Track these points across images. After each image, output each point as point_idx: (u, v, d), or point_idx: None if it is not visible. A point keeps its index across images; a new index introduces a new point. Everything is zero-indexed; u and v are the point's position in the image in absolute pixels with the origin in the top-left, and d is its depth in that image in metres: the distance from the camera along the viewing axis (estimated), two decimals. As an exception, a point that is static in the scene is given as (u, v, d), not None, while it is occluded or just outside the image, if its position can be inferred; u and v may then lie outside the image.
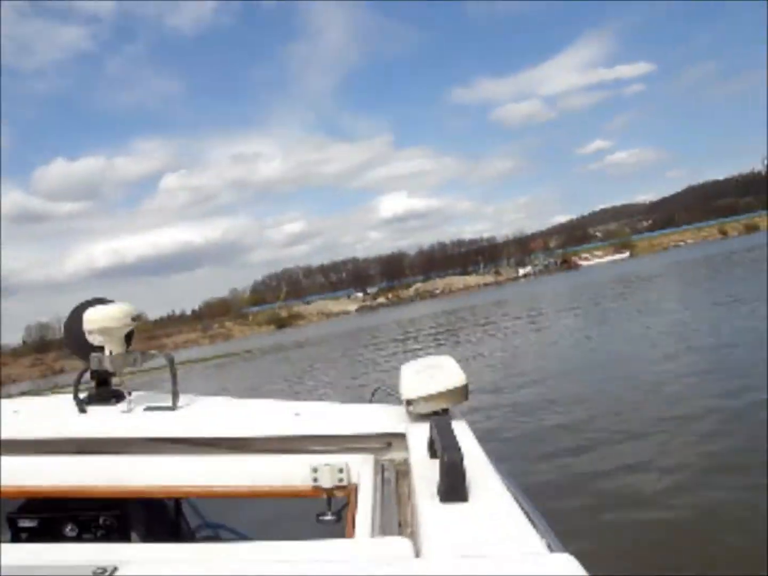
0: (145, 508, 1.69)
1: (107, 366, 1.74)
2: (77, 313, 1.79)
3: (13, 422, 1.65)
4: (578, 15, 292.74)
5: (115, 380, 1.83)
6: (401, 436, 1.43)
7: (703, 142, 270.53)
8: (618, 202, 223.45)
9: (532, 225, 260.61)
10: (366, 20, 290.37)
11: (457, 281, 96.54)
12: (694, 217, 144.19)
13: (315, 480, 1.41)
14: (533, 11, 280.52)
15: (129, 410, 1.71)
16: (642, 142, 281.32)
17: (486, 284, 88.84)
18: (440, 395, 1.43)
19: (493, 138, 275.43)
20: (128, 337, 1.81)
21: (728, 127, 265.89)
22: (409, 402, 1.45)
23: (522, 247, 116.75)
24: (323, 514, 1.47)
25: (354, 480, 1.39)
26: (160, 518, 1.80)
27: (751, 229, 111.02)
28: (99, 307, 1.76)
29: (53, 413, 1.74)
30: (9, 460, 1.49)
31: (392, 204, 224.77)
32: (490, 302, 37.72)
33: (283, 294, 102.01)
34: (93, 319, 1.72)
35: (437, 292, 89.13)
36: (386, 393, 1.88)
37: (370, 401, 1.85)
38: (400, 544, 0.91)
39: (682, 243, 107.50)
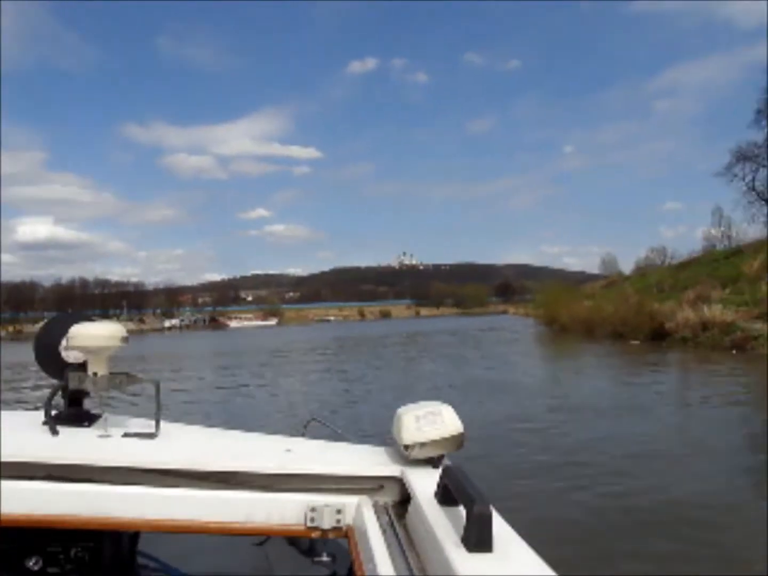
0: (115, 542, 1.60)
1: (89, 387, 1.59)
2: (54, 327, 1.70)
3: None
4: (265, 87, 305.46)
5: (87, 401, 1.69)
6: (395, 480, 1.42)
7: (353, 231, 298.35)
8: (271, 270, 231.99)
9: (185, 278, 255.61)
10: (40, 23, 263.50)
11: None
12: (338, 296, 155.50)
13: (312, 520, 1.36)
14: (224, 69, 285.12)
15: (105, 435, 1.57)
16: (300, 220, 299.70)
17: (128, 331, 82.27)
18: (437, 442, 1.43)
19: (160, 183, 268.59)
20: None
21: (374, 223, 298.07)
22: (406, 446, 1.43)
23: (171, 299, 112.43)
24: (318, 555, 1.50)
25: (352, 522, 1.36)
26: (126, 553, 1.69)
27: (386, 314, 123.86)
28: (91, 324, 1.60)
29: (20, 433, 1.57)
30: None
31: (34, 228, 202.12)
32: (130, 356, 33.37)
33: None
34: (83, 335, 1.56)
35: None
36: (321, 423, 1.97)
37: (303, 433, 1.86)
38: None
39: (331, 318, 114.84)
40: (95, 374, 1.60)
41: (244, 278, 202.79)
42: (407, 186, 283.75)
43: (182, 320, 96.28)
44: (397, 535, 1.24)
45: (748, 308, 17.81)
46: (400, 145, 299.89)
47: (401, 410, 1.51)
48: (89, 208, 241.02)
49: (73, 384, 1.61)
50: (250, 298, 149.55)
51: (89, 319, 1.67)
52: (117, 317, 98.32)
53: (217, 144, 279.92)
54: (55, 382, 1.65)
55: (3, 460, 1.39)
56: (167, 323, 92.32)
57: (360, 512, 1.35)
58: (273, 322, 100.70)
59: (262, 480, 1.44)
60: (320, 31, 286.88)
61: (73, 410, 1.66)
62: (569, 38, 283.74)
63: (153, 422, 1.63)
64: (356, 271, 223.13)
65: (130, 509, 1.37)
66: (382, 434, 1.62)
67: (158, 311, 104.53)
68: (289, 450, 1.56)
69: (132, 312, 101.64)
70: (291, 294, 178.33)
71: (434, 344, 29.88)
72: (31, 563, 1.50)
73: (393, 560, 1.12)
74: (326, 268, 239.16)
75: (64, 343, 1.64)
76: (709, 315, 18.14)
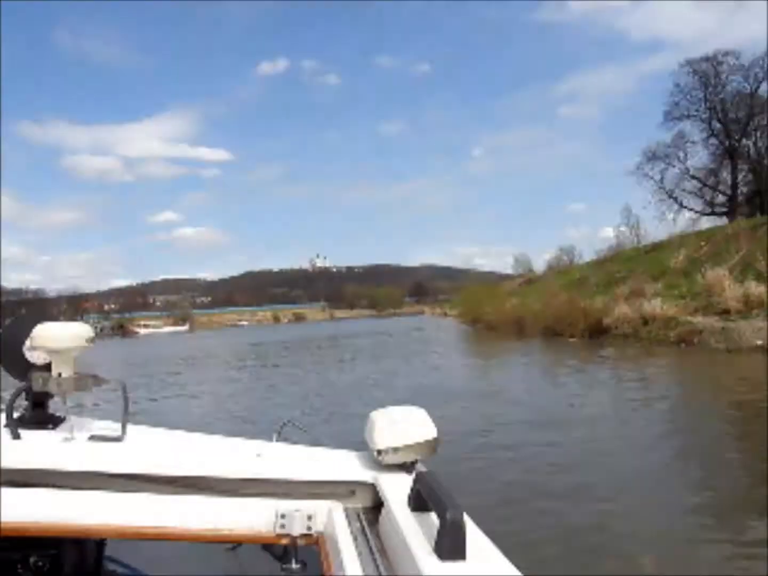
0: (78, 549, 1.59)
1: (53, 388, 1.57)
2: (18, 327, 1.66)
3: None
4: (172, 87, 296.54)
5: (51, 403, 1.65)
6: (367, 485, 1.41)
7: (264, 234, 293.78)
8: (180, 275, 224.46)
9: (90, 285, 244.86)
10: None
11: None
12: (251, 301, 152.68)
13: (282, 526, 1.35)
14: (129, 66, 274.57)
15: (70, 438, 1.53)
16: (210, 223, 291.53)
17: (26, 341, 77.46)
18: (411, 447, 1.42)
19: (61, 185, 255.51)
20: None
21: (286, 226, 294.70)
22: (379, 451, 1.43)
23: (75, 307, 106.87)
24: (287, 562, 1.43)
25: (322, 528, 1.35)
26: (90, 560, 1.67)
27: (300, 317, 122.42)
28: (55, 324, 1.58)
29: None
30: None
31: None
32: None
33: None
34: (46, 336, 1.54)
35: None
36: (295, 426, 1.92)
37: (277, 438, 1.77)
38: None
39: (245, 323, 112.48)
40: (60, 375, 1.56)
41: (153, 283, 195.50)
42: (319, 188, 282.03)
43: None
44: (368, 542, 1.22)
45: (685, 302, 17.66)
46: (311, 147, 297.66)
47: (374, 414, 1.50)
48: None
49: (36, 385, 1.57)
50: (159, 304, 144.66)
51: (54, 319, 1.62)
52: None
53: (121, 145, 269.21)
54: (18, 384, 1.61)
55: None
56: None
57: (331, 518, 1.33)
58: (184, 327, 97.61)
59: (231, 485, 1.41)
60: (229, 30, 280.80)
61: (36, 413, 1.63)
62: (477, 44, 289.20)
63: (119, 425, 1.58)
64: (268, 274, 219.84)
65: (94, 515, 1.34)
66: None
67: (61, 319, 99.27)
68: (259, 454, 1.54)
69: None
70: (202, 299, 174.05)
71: (359, 348, 28.92)
72: None
73: (363, 568, 1.10)
74: (238, 272, 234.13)
75: (28, 343, 1.60)
76: (649, 310, 17.82)
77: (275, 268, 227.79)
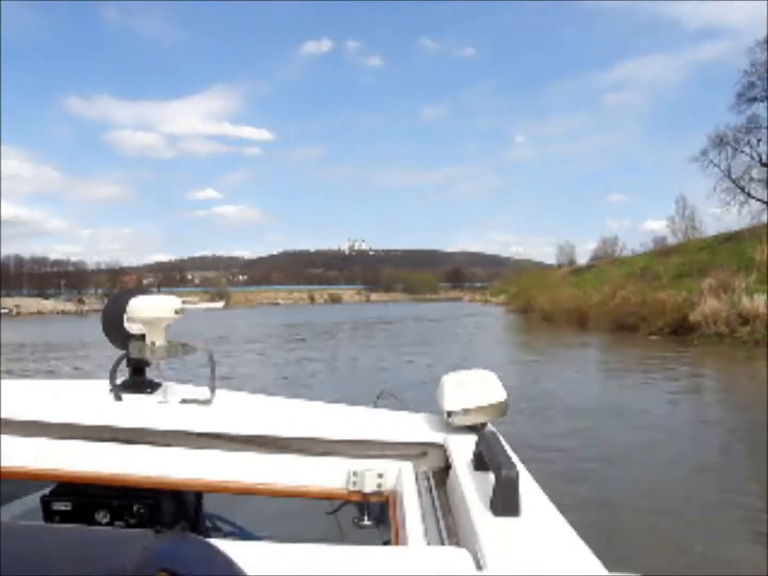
0: (175, 501, 1.68)
1: (147, 355, 1.74)
2: (117, 302, 1.82)
3: (49, 405, 1.61)
4: (216, 65, 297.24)
5: (149, 370, 1.84)
6: (437, 446, 1.47)
7: (302, 215, 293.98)
8: (219, 252, 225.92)
9: (129, 259, 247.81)
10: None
11: (30, 303, 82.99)
12: (287, 280, 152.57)
13: (354, 484, 1.44)
14: (175, 44, 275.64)
15: (165, 401, 1.71)
16: (249, 201, 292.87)
17: (65, 312, 77.99)
18: (481, 409, 1.47)
19: (104, 160, 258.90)
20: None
21: (324, 207, 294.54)
22: (449, 413, 1.48)
23: (114, 280, 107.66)
24: (359, 519, 1.54)
25: (391, 486, 1.42)
26: (188, 512, 1.77)
27: (336, 299, 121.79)
28: (146, 297, 1.74)
29: (89, 399, 1.73)
30: (44, 443, 1.51)
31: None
32: (64, 342, 27.23)
33: None
34: (137, 308, 1.71)
35: (4, 312, 74.66)
36: (392, 396, 2.01)
37: (375, 404, 1.91)
38: (460, 555, 0.94)
39: (280, 301, 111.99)
40: (153, 343, 1.70)
41: (191, 259, 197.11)
42: (358, 170, 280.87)
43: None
44: (433, 500, 1.27)
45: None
46: (352, 129, 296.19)
47: (445, 377, 1.54)
48: (29, 183, 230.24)
49: (133, 353, 1.72)
50: (197, 281, 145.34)
51: (143, 292, 1.76)
52: (55, 297, 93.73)
53: (165, 122, 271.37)
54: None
55: (75, 423, 1.54)
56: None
57: (400, 478, 1.39)
58: (220, 304, 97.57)
59: (308, 444, 1.51)
60: (276, 10, 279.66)
61: (136, 379, 1.80)
62: (524, 29, 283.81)
63: (208, 390, 1.71)
64: (305, 254, 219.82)
65: (185, 470, 1.48)
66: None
67: (99, 291, 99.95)
68: (336, 416, 1.65)
69: (71, 292, 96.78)
70: (239, 276, 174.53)
71: (411, 334, 26.83)
72: (100, 516, 1.60)
73: (425, 525, 1.15)
74: (275, 251, 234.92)
75: (126, 317, 1.74)
76: (750, 307, 15.53)
77: (312, 249, 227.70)
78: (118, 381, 1.74)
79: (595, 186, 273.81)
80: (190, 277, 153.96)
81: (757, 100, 35.07)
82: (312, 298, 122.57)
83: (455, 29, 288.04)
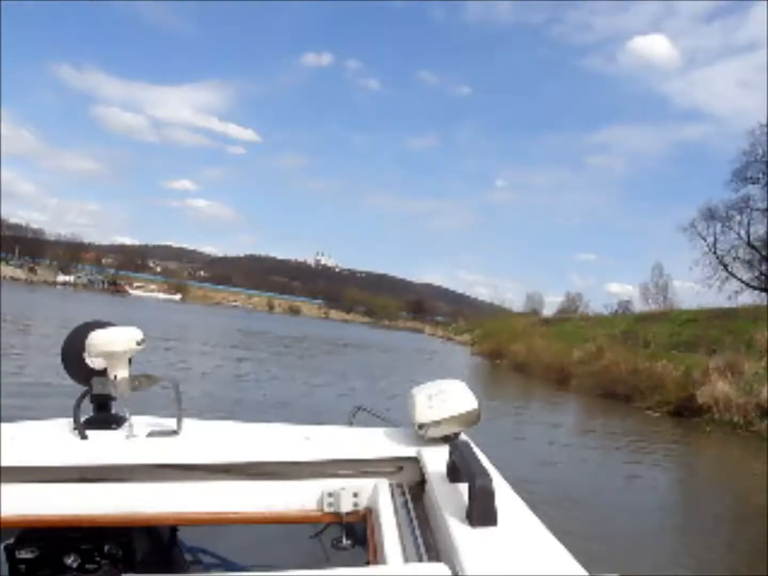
0: (149, 537, 1.68)
1: (111, 391, 1.69)
2: (76, 336, 1.76)
3: (12, 448, 1.54)
4: (214, 59, 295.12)
5: (114, 404, 1.78)
6: (412, 460, 1.46)
7: (274, 221, 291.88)
8: (184, 244, 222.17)
9: (93, 235, 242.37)
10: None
11: (-23, 264, 78.89)
12: (249, 283, 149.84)
13: (330, 505, 1.42)
14: (176, 30, 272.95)
15: (131, 435, 1.65)
16: (224, 199, 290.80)
17: (14, 278, 74.50)
18: (453, 419, 1.47)
19: (85, 134, 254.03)
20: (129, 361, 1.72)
21: (298, 217, 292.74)
22: (420, 426, 1.49)
23: (73, 254, 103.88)
24: (338, 540, 1.56)
25: (368, 504, 1.40)
26: (163, 548, 1.76)
27: (295, 310, 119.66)
28: (104, 330, 1.68)
29: (53, 439, 1.65)
30: (7, 488, 1.45)
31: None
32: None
33: None
34: (97, 342, 1.65)
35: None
36: (369, 413, 1.97)
37: (350, 422, 1.88)
38: (438, 570, 0.93)
39: (238, 304, 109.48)
40: (116, 377, 1.66)
41: (155, 247, 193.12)
42: (337, 187, 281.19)
43: (78, 277, 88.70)
44: (410, 515, 1.27)
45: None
46: (340, 145, 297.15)
47: (414, 390, 1.55)
48: (5, 143, 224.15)
49: (97, 389, 1.68)
50: (158, 269, 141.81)
51: (107, 325, 1.72)
52: (6, 262, 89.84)
53: (154, 106, 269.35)
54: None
55: (38, 465, 1.49)
56: (60, 278, 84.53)
57: (376, 495, 1.39)
58: (177, 297, 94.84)
59: (281, 468, 1.48)
60: (283, 16, 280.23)
61: (100, 414, 1.74)
62: (522, 78, 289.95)
63: (175, 420, 1.66)
64: (271, 261, 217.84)
65: (157, 504, 1.45)
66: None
67: (54, 263, 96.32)
68: (308, 438, 1.62)
69: (24, 259, 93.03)
70: (201, 272, 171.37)
71: (374, 364, 25.13)
72: (69, 561, 1.56)
73: (404, 542, 1.14)
74: (242, 253, 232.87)
75: (87, 351, 1.70)
76: None
77: (279, 256, 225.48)
78: (82, 418, 1.69)
79: (566, 240, 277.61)
80: (152, 264, 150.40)
81: (751, 180, 34.99)
82: (271, 306, 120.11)
83: (455, 66, 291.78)
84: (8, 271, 79.49)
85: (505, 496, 1.11)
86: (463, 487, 1.09)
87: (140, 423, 1.70)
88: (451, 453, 1.24)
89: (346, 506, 1.41)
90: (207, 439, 1.64)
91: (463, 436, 1.50)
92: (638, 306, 37.23)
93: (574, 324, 33.74)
